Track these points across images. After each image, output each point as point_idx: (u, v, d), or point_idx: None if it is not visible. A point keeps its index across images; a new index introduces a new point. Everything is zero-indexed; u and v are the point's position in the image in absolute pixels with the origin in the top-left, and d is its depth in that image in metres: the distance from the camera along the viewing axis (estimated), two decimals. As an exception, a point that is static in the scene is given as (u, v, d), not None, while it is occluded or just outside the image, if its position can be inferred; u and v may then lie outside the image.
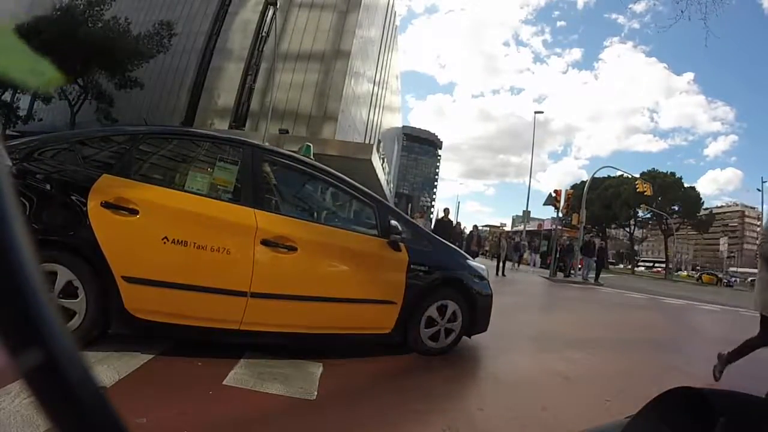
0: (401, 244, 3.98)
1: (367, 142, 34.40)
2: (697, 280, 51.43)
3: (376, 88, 42.83)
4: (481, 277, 4.65)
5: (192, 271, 3.23)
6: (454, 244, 5.21)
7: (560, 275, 22.09)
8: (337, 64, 30.94)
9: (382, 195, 29.71)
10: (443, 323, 4.23)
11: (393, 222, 3.97)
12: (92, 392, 0.35)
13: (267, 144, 4.23)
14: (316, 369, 3.44)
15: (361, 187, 4.23)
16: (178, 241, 3.17)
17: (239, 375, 3.12)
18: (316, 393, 3.01)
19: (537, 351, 5.42)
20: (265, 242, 3.41)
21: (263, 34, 32.40)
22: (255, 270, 3.37)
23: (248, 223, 3.40)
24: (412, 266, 4.01)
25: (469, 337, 4.62)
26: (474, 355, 4.64)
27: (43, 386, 0.34)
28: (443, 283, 4.32)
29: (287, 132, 25.64)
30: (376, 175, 27.00)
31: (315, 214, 4.49)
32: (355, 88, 33.57)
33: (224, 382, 2.97)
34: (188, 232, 3.22)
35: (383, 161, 33.55)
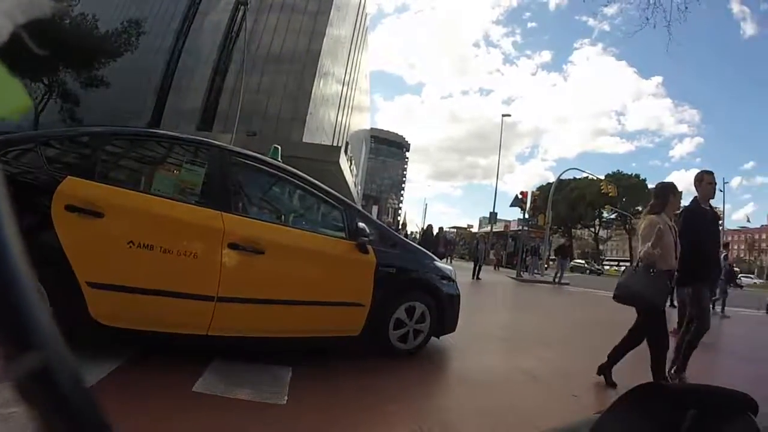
0: (369, 247, 4.01)
1: (335, 144, 34.31)
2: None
3: (345, 89, 42.78)
4: (449, 279, 4.72)
5: (158, 276, 3.19)
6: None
7: (525, 275, 22.60)
8: (307, 65, 30.85)
9: (350, 197, 29.64)
10: (412, 324, 4.27)
11: (360, 224, 3.99)
12: (82, 395, 0.36)
13: (234, 146, 4.19)
14: (286, 373, 3.44)
15: (329, 189, 4.24)
16: (143, 245, 3.12)
17: (208, 381, 3.10)
18: (286, 397, 3.01)
19: (506, 350, 5.51)
20: (232, 245, 3.38)
21: (233, 34, 32.11)
22: (222, 274, 3.35)
23: (215, 225, 3.37)
24: (379, 268, 4.03)
25: (438, 338, 4.66)
26: (443, 356, 4.69)
27: (37, 389, 0.34)
28: (411, 285, 4.39)
29: (255, 134, 25.44)
30: (344, 178, 27.05)
31: (282, 216, 4.49)
32: (324, 89, 33.50)
33: (194, 389, 2.95)
34: (154, 235, 3.18)
35: (351, 163, 33.53)
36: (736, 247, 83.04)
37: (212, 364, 3.37)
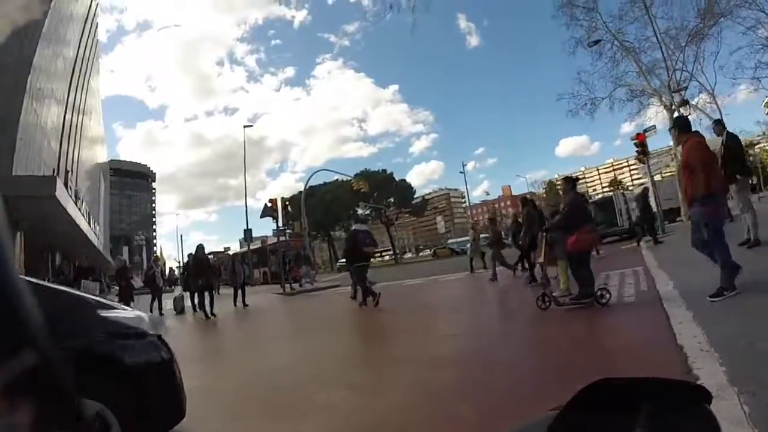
0: None
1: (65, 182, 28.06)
2: (433, 255, 55.14)
3: (73, 116, 35.85)
4: (140, 335, 2.61)
5: None
6: None
7: (296, 286, 21.71)
8: (15, 79, 24.28)
9: (86, 243, 24.71)
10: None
11: None
12: (74, 390, 0.38)
13: None
14: None
15: None
16: None
17: None
18: None
19: (272, 418, 3.60)
20: None
21: None
22: None
23: None
24: None
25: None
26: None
27: (36, 385, 0.35)
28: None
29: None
30: (72, 219, 21.58)
31: None
32: (40, 112, 27.02)
33: None
34: None
35: (80, 201, 27.70)
36: (480, 217, 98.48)
37: None
